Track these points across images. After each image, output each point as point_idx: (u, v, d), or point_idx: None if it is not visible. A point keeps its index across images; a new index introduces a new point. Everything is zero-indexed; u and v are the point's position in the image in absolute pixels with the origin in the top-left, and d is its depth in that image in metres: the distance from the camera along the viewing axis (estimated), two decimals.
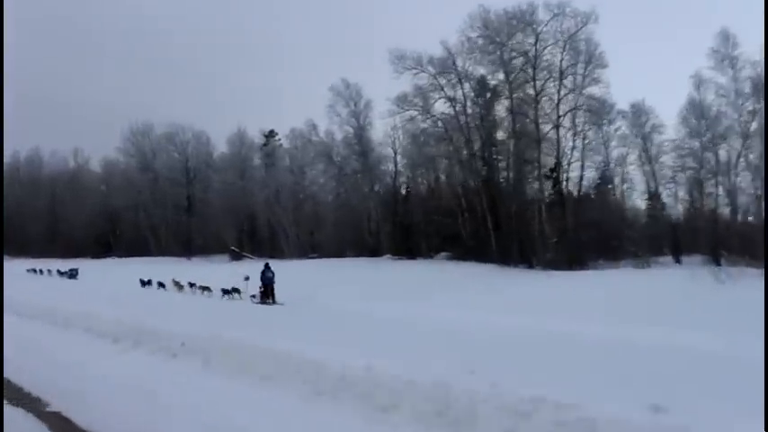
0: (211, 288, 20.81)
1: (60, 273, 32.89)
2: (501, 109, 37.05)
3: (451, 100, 38.13)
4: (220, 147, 66.64)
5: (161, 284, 23.02)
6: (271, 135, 63.35)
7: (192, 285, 21.61)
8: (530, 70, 35.13)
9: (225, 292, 19.92)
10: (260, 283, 19.89)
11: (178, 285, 22.58)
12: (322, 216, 54.52)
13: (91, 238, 68.02)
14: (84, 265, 40.91)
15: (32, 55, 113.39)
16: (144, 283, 24.03)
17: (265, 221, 60.17)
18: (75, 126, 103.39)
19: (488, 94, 37.58)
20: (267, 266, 20.39)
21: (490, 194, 39.07)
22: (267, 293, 19.55)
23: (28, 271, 35.76)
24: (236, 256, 58.16)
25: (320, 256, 51.50)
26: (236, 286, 20.11)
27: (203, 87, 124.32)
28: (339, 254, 49.45)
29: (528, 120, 35.46)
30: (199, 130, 62.00)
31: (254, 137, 59.91)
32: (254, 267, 34.83)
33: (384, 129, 48.07)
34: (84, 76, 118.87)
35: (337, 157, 54.08)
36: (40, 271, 35.45)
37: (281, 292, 19.84)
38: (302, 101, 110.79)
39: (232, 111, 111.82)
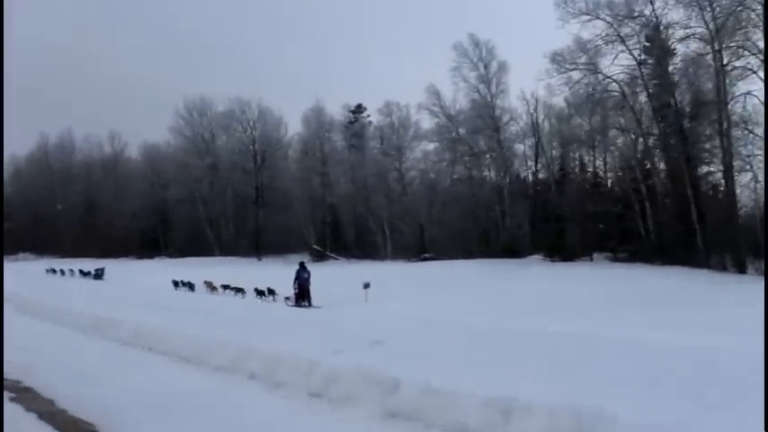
0: (245, 289, 21.58)
1: (83, 273, 32.70)
2: (704, 71, 31.69)
3: (634, 56, 33.07)
4: (294, 126, 62.25)
5: (188, 285, 23.65)
6: (358, 111, 58.99)
7: (225, 288, 22.36)
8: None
9: (259, 293, 20.53)
10: (294, 284, 20.10)
11: (210, 287, 23.33)
12: (434, 208, 49.78)
13: (134, 235, 64.04)
14: (124, 266, 41.33)
15: (61, 31, 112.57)
16: (177, 285, 24.53)
17: (352, 215, 55.22)
18: (108, 109, 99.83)
19: (681, 49, 32.21)
20: (303, 266, 20.67)
21: (691, 178, 33.92)
22: (303, 295, 19.74)
23: (47, 271, 35.77)
24: (319, 256, 53.50)
25: (434, 258, 46.82)
26: (271, 287, 20.48)
27: (267, 59, 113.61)
28: (463, 254, 44.67)
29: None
30: (266, 106, 58.55)
31: (335, 114, 57.15)
32: (347, 271, 33.27)
33: (522, 96, 42.63)
34: (115, 52, 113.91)
35: (455, 133, 49.51)
36: (61, 271, 35.09)
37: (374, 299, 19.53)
38: (396, 70, 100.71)
39: (306, 85, 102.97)
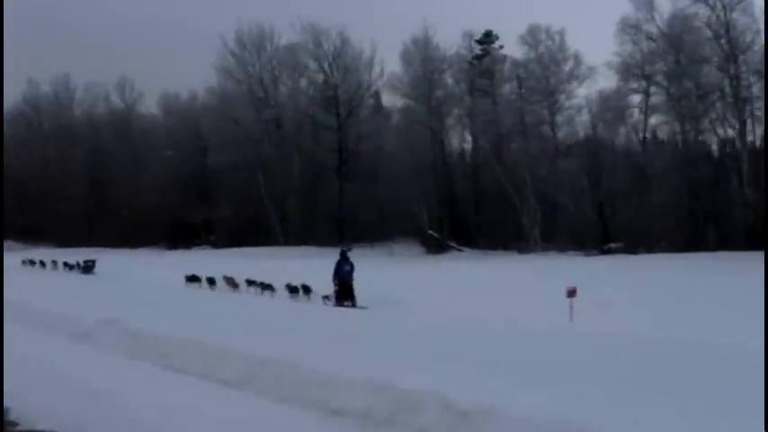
0: (274, 286, 20.64)
1: (69, 265, 31.84)
2: None
3: None
4: (391, 64, 57.85)
5: (211, 281, 22.91)
6: (486, 41, 49.06)
7: (250, 283, 21.57)
8: None
9: (291, 290, 19.62)
10: (334, 279, 18.55)
11: (231, 282, 22.47)
12: (615, 177, 39.60)
13: (163, 217, 56.68)
14: (139, 258, 40.31)
15: None
16: (190, 279, 23.62)
17: (479, 188, 47.99)
18: (114, 49, 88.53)
19: None
20: (344, 255, 19.37)
21: None
22: (345, 293, 18.43)
23: (24, 263, 35.25)
24: (437, 246, 45.94)
25: (623, 250, 36.90)
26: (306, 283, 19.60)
27: None
28: (669, 245, 34.68)
29: None
30: (350, 36, 51.44)
31: (450, 46, 49.77)
32: (492, 269, 29.71)
33: None
34: None
35: (647, 67, 38.70)
36: (41, 263, 34.41)
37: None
38: None
39: (406, 5, 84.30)
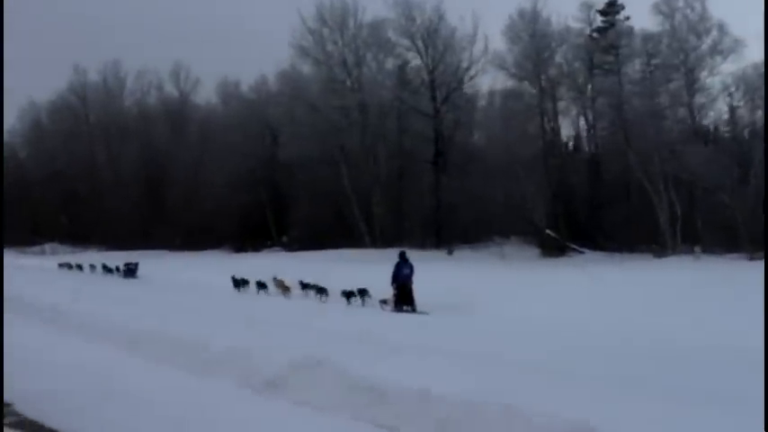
0: (327, 290, 21.35)
1: (107, 269, 32.53)
2: None
3: None
4: (494, 41, 58.36)
5: (261, 285, 23.56)
6: (610, 11, 47.02)
7: (305, 286, 22.18)
8: None
9: (348, 295, 19.89)
10: (393, 283, 19.05)
11: (282, 287, 23.01)
12: None
13: (229, 217, 55.43)
14: (208, 262, 40.28)
15: None
16: (238, 284, 24.46)
17: (601, 181, 46.03)
18: (167, 35, 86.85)
19: None
20: (403, 258, 19.76)
21: None
22: (404, 297, 18.81)
23: (61, 266, 36.30)
24: (554, 248, 43.86)
25: None
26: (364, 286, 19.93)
27: None
28: None
29: None
30: (447, 10, 49.10)
31: (562, 18, 48.61)
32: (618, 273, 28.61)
33: None
34: None
35: None
36: (78, 266, 35.14)
37: None
38: None
39: None
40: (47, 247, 61.84)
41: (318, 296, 21.54)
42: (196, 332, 11.07)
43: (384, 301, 19.07)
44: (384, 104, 50.32)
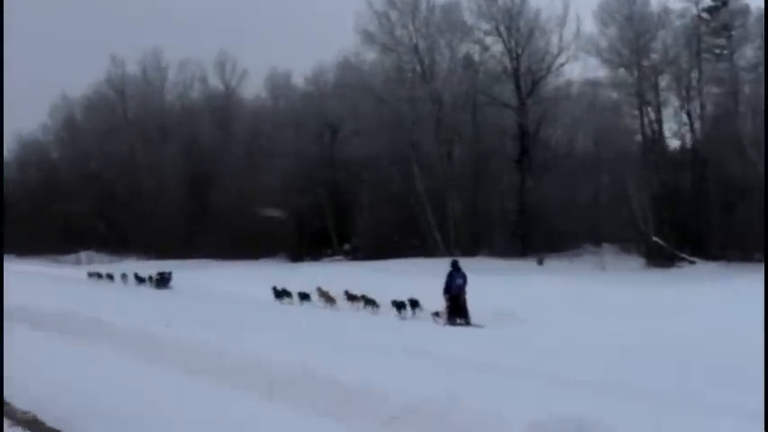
0: (377, 302, 21.40)
1: (140, 279, 32.51)
2: None
3: None
4: (586, 23, 51.93)
5: (304, 296, 23.47)
6: None
7: (351, 298, 22.18)
8: None
9: (398, 306, 20.08)
10: (445, 294, 19.03)
11: (326, 297, 23.01)
12: None
13: (285, 224, 53.35)
14: (257, 272, 38.82)
15: None
16: (279, 294, 24.32)
17: (714, 182, 42.20)
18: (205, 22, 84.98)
19: None
20: (456, 267, 19.63)
21: None
22: (457, 309, 18.80)
23: (90, 276, 36.66)
24: (661, 257, 41.45)
25: None
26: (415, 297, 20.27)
27: None
28: None
29: None
30: None
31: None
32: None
33: None
34: None
35: None
36: (108, 276, 35.59)
37: None
38: None
39: None
40: (82, 255, 60.65)
41: (369, 308, 21.54)
42: (319, 362, 9.41)
43: (437, 314, 19.05)
44: (460, 96, 48.69)
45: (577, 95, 47.57)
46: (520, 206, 45.66)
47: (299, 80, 60.02)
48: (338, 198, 52.97)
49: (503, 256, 44.24)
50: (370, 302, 21.28)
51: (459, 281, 19.10)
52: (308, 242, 53.16)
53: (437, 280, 26.02)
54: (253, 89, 65.11)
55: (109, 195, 63.66)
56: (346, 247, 52.69)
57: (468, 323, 18.43)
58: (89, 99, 67.65)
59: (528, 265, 42.83)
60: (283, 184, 53.31)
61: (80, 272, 40.07)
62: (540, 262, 42.89)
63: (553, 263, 43.33)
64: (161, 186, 60.76)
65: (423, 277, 29.42)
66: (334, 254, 52.22)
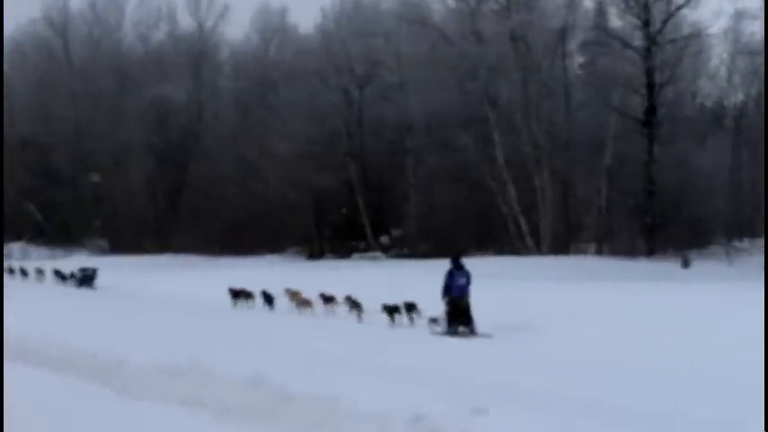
0: (362, 306, 18.38)
1: (61, 275, 29.81)
2: None
3: None
4: None
5: (267, 298, 20.69)
6: None
7: (327, 300, 19.42)
8: None
9: (390, 310, 17.64)
10: (444, 297, 16.50)
11: (298, 299, 20.08)
12: None
13: (303, 210, 40.97)
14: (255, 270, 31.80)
15: None
16: (236, 295, 21.42)
17: None
18: None
19: None
20: (457, 264, 16.77)
21: None
22: (457, 315, 16.33)
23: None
24: None
25: None
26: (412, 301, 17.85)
27: None
28: None
29: None
30: None
31: None
32: None
33: None
34: None
35: None
36: (23, 271, 32.24)
37: None
38: None
39: None
40: (14, 248, 45.54)
41: (355, 312, 18.28)
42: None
43: (434, 320, 16.45)
44: (553, 33, 35.79)
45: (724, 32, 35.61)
46: (647, 185, 33.69)
47: (297, 18, 46.89)
48: (373, 175, 39.64)
49: (625, 253, 32.22)
50: (355, 305, 18.65)
51: (462, 281, 16.54)
52: (332, 233, 40.47)
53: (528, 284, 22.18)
54: (236, 31, 51.33)
55: (46, 170, 49.38)
56: (384, 240, 39.69)
57: (472, 332, 15.96)
58: (16, 42, 52.98)
59: (667, 268, 30.74)
60: (294, 155, 39.72)
61: None
62: (686, 264, 30.53)
63: (703, 265, 31.31)
64: (120, 157, 46.97)
65: (520, 284, 22.77)
66: (368, 249, 39.13)
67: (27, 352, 11.73)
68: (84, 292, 27.13)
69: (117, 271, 32.32)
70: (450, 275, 16.64)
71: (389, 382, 8.91)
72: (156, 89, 48.27)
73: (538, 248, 36.06)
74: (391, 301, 18.27)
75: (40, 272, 31.26)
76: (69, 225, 48.86)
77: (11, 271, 32.45)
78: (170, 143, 47.31)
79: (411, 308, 17.44)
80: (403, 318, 17.50)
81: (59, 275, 29.77)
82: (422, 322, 16.96)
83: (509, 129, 36.33)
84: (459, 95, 37.53)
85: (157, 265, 37.07)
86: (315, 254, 40.07)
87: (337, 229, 40.94)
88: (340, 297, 19.10)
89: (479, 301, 16.71)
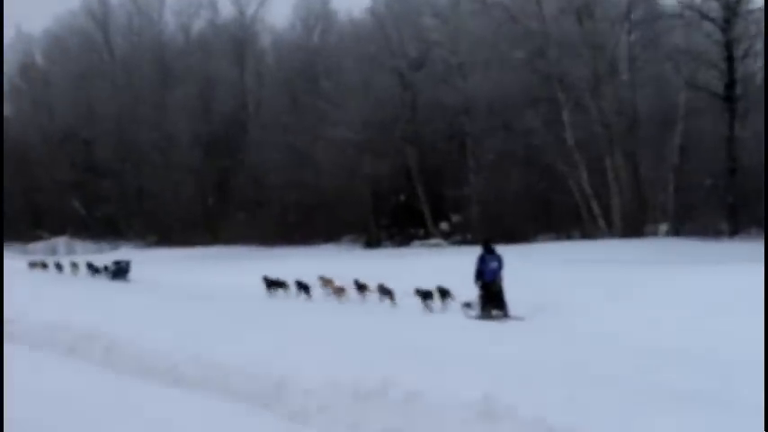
0: (393, 293, 18.21)
1: (93, 268, 29.42)
2: None
3: None
4: None
5: (302, 287, 20.36)
6: None
7: (360, 288, 19.08)
8: None
9: (424, 295, 17.25)
10: (477, 281, 16.29)
11: (332, 286, 19.97)
12: None
13: (359, 197, 39.05)
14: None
15: None
16: (271, 285, 21.25)
17: None
18: None
19: None
20: (488, 248, 16.71)
21: None
22: (490, 298, 16.13)
23: (32, 266, 32.82)
24: None
25: None
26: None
27: None
28: None
29: None
30: None
31: None
32: None
33: None
34: None
35: None
36: (58, 266, 31.69)
37: None
38: None
39: None
40: (60, 243, 44.35)
41: (387, 299, 18.09)
42: None
43: (468, 305, 16.29)
44: (620, 6, 33.68)
45: None
46: (729, 163, 31.01)
47: (339, 5, 45.29)
48: (430, 160, 37.67)
49: (695, 234, 30.46)
50: (386, 292, 18.26)
51: (493, 264, 16.26)
52: (389, 221, 38.35)
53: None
54: (278, 17, 49.79)
55: (89, 163, 47.67)
56: (443, 226, 37.70)
57: (505, 315, 15.74)
58: (56, 35, 51.26)
59: (746, 247, 28.67)
60: (348, 142, 37.66)
61: (18, 262, 34.08)
62: None
63: None
64: (165, 149, 44.71)
65: (597, 268, 20.84)
66: (428, 236, 37.13)
67: (157, 371, 10.02)
68: (119, 284, 26.38)
69: (164, 264, 31.80)
70: (482, 260, 16.40)
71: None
72: (199, 78, 46.27)
73: (610, 231, 34.54)
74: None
75: (74, 265, 30.81)
76: (114, 219, 47.00)
77: (44, 265, 32.12)
78: (216, 133, 45.16)
79: (445, 293, 17.10)
80: (436, 303, 17.07)
81: (92, 268, 29.37)
82: (455, 307, 16.67)
83: (577, 108, 33.89)
84: (521, 75, 34.87)
85: (207, 256, 35.81)
86: (372, 242, 37.89)
87: (395, 216, 38.71)
88: (374, 285, 18.70)
89: (559, 285, 16.54)
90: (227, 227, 42.48)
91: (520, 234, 34.64)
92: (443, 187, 38.34)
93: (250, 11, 49.40)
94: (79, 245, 45.54)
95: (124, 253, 39.80)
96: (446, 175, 38.31)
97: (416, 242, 37.51)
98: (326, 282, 20.08)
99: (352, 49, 41.68)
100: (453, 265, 21.59)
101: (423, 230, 37.94)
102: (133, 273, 28.19)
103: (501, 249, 28.11)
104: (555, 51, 33.69)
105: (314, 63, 44.35)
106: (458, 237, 36.76)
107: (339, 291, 19.60)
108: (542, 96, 34.54)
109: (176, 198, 44.77)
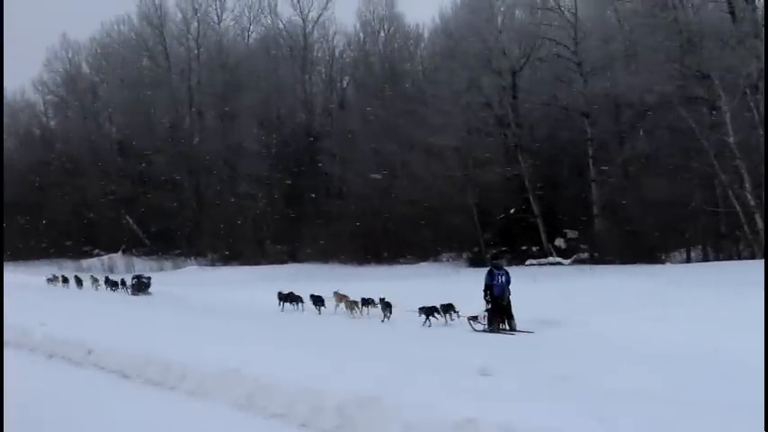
0: (392, 304, 17.41)
1: (111, 284, 28.80)
2: None
3: None
4: None
5: (317, 300, 19.50)
6: None
7: (366, 304, 18.36)
8: None
9: (427, 312, 16.73)
10: (486, 295, 16.09)
11: (347, 302, 19.06)
12: None
13: (462, 210, 33.16)
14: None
15: None
16: (284, 299, 20.76)
17: None
18: None
19: None
20: (496, 264, 16.70)
21: None
22: (499, 313, 15.82)
23: (50, 281, 32.02)
24: None
25: None
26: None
27: None
28: None
29: None
30: None
31: None
32: None
33: None
34: None
35: None
36: (78, 280, 30.78)
37: None
38: None
39: None
40: (117, 261, 39.00)
41: (384, 314, 17.58)
42: None
43: (474, 318, 15.95)
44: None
45: None
46: None
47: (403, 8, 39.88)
48: (543, 169, 31.86)
49: None
50: (387, 306, 17.60)
51: (502, 279, 16.02)
52: (495, 237, 32.22)
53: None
54: (341, 21, 44.00)
55: (144, 176, 41.73)
56: (559, 242, 31.81)
57: (513, 330, 15.34)
58: (101, 43, 45.54)
59: None
60: (447, 149, 32.03)
61: (37, 277, 33.09)
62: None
63: None
64: (231, 159, 38.91)
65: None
66: (541, 254, 31.25)
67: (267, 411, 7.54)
68: (140, 298, 25.10)
69: (233, 287, 26.78)
70: (491, 275, 16.09)
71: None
72: (265, 85, 40.52)
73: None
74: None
75: (95, 279, 30.10)
76: (172, 234, 40.54)
77: (65, 280, 30.72)
78: (285, 142, 39.27)
79: (448, 309, 16.73)
80: (440, 318, 16.57)
81: (110, 283, 28.55)
82: (458, 321, 16.19)
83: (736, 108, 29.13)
84: (655, 74, 27.88)
85: (279, 276, 29.20)
86: (479, 260, 30.92)
87: (502, 231, 32.18)
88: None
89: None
90: (302, 243, 36.36)
91: (653, 252, 29.44)
92: (556, 200, 32.50)
93: (312, 15, 43.50)
94: (138, 262, 39.71)
95: (190, 272, 34.55)
96: (559, 185, 32.91)
97: (531, 261, 32.06)
98: (341, 297, 19.07)
99: (444, 50, 36.27)
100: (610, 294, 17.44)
101: (537, 248, 31.78)
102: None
103: (637, 270, 22.85)
104: (710, 46, 28.04)
105: (394, 66, 39.25)
106: (581, 255, 31.20)
107: (352, 305, 18.53)
108: (685, 95, 29.54)
109: (242, 211, 38.31)
